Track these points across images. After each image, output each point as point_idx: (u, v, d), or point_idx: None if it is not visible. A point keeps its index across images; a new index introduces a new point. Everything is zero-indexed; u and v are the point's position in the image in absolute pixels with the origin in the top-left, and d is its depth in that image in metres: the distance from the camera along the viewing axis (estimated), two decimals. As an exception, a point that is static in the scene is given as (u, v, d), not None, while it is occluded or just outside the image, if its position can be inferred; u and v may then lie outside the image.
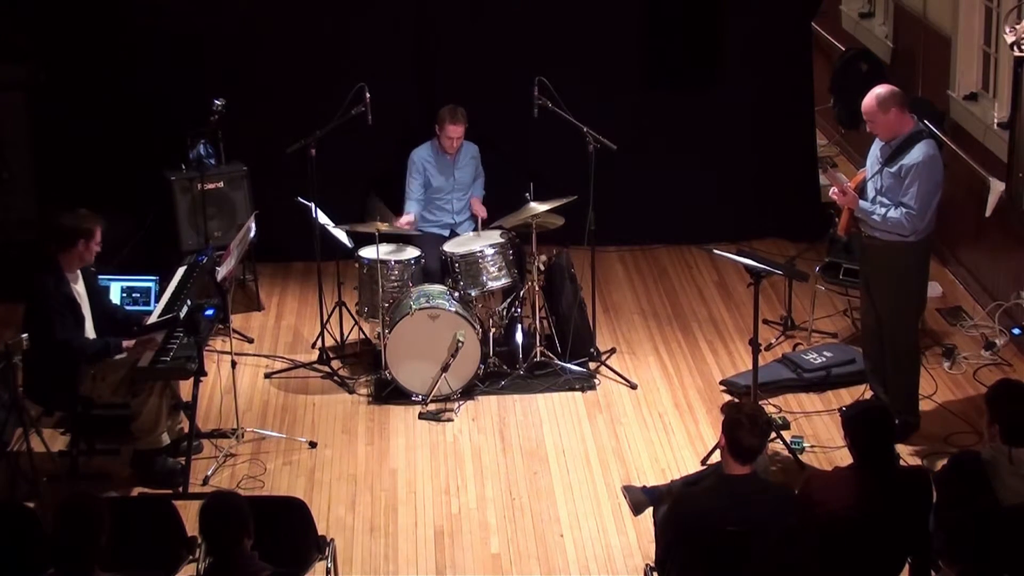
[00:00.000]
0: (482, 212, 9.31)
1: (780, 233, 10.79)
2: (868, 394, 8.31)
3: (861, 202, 7.67)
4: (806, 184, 10.84)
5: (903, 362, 7.94)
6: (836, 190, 7.80)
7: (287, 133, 9.14)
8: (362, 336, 9.18)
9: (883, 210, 7.60)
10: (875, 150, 7.78)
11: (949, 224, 7.77)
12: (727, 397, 8.51)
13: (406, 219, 9.23)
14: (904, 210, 7.54)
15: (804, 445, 8.01)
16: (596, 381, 8.79)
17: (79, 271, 7.60)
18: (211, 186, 9.55)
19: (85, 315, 7.57)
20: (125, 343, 7.61)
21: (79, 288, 7.57)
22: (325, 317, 9.09)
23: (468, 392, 8.59)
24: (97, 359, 7.53)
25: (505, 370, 8.76)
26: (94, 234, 7.50)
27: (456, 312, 8.45)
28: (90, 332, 7.59)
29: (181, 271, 8.39)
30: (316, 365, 9.01)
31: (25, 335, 7.24)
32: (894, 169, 7.58)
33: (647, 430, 8.29)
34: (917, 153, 7.53)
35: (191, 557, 6.24)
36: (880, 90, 7.62)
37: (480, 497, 7.65)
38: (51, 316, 7.38)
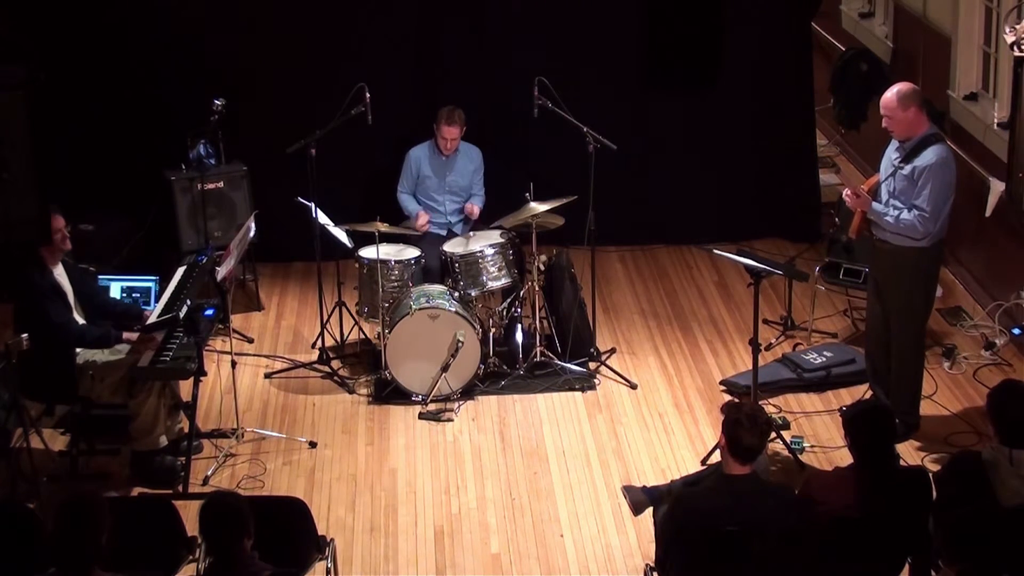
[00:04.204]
0: (474, 213, 9.29)
1: (780, 233, 10.79)
2: (868, 394, 8.32)
3: (874, 204, 7.67)
4: (806, 184, 10.84)
5: (907, 364, 7.94)
6: (849, 192, 7.79)
7: (287, 133, 9.15)
8: (362, 336, 9.18)
9: (896, 212, 7.60)
10: (890, 153, 7.77)
11: (949, 224, 7.76)
12: (727, 397, 8.50)
13: (424, 219, 9.26)
14: (917, 212, 7.53)
15: (804, 445, 8.01)
16: (596, 381, 8.79)
17: (61, 266, 7.61)
18: (211, 186, 9.55)
19: (71, 304, 7.59)
20: (126, 335, 7.62)
21: (62, 279, 7.60)
22: (325, 317, 9.09)
23: (468, 392, 8.59)
24: (97, 346, 7.55)
25: (505, 370, 8.76)
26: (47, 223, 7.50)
27: (456, 312, 8.45)
28: (79, 321, 7.60)
29: (181, 271, 8.40)
30: (316, 365, 9.02)
31: (25, 335, 7.24)
32: (907, 171, 7.57)
33: (647, 430, 8.29)
34: (930, 155, 7.52)
35: (191, 557, 6.24)
36: (901, 87, 7.61)
37: (480, 497, 7.65)
38: (43, 303, 7.43)
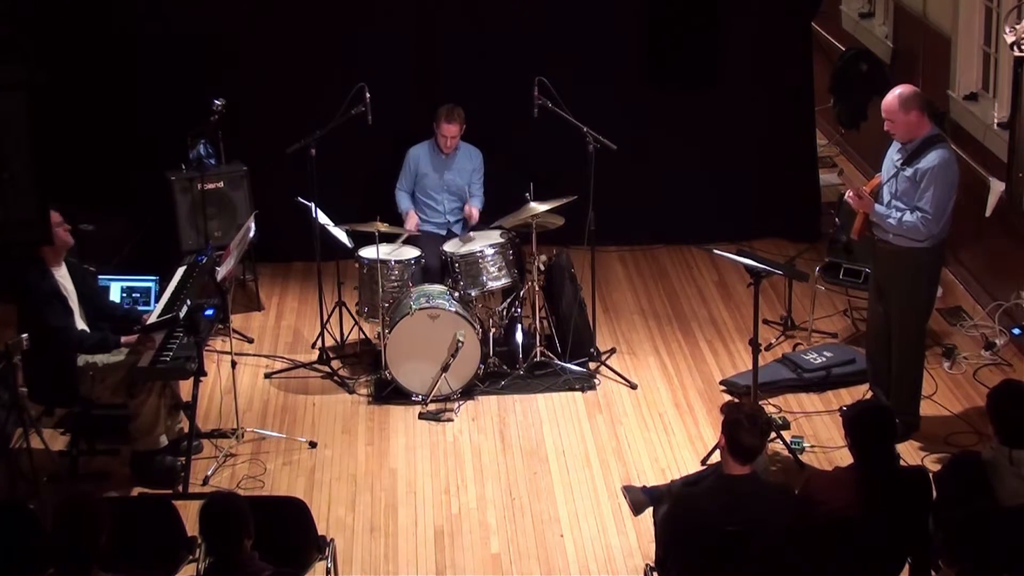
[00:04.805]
0: (474, 217, 9.29)
1: (780, 233, 10.79)
2: (868, 394, 8.32)
3: (877, 206, 7.66)
4: (806, 184, 10.84)
5: (908, 364, 7.94)
6: (852, 194, 7.78)
7: (287, 133, 9.15)
8: (362, 336, 9.18)
9: (898, 214, 7.59)
10: (891, 154, 7.77)
11: (950, 224, 7.77)
12: (727, 397, 8.50)
13: (412, 222, 9.27)
14: (920, 214, 7.53)
15: (804, 445, 8.01)
16: (596, 381, 8.79)
17: (64, 264, 7.60)
18: (211, 186, 9.55)
19: (73, 307, 7.58)
20: (124, 339, 7.62)
21: (65, 281, 7.58)
22: (325, 317, 9.09)
23: (468, 392, 8.59)
24: (95, 351, 7.55)
25: (505, 370, 8.76)
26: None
27: (456, 312, 8.45)
28: (79, 324, 7.60)
29: (181, 271, 8.39)
30: (316, 365, 9.02)
31: (25, 336, 7.24)
32: (909, 173, 7.57)
33: (647, 430, 8.29)
34: (933, 157, 7.52)
35: (191, 557, 6.24)
36: (903, 90, 7.59)
37: (480, 497, 7.65)
38: (41, 307, 7.42)
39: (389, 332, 8.47)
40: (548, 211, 8.67)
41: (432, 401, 8.52)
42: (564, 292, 9.12)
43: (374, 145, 9.96)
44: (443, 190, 9.46)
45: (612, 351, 9.12)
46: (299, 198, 8.94)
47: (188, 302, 7.86)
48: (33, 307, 7.45)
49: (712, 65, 10.44)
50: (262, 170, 9.84)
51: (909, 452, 7.88)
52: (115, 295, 8.73)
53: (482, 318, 8.74)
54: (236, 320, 9.44)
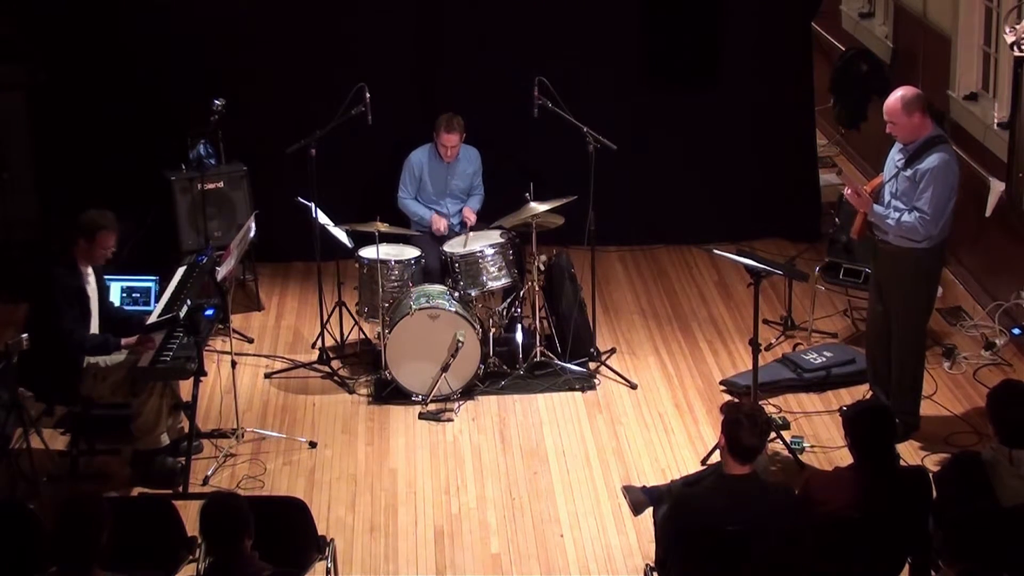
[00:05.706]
0: (471, 220, 9.29)
1: (780, 233, 10.79)
2: (868, 394, 8.32)
3: (875, 206, 7.66)
4: (806, 184, 10.84)
5: (908, 364, 7.94)
6: (851, 191, 7.78)
7: (287, 133, 9.15)
8: (362, 336, 9.18)
9: (897, 214, 7.59)
10: (893, 154, 7.76)
11: (950, 225, 7.77)
12: (727, 397, 8.50)
13: (444, 222, 9.27)
14: (918, 215, 7.53)
15: (804, 445, 8.01)
16: (596, 381, 8.79)
17: (91, 268, 7.62)
18: (211, 186, 9.55)
19: (92, 310, 7.60)
20: (124, 341, 7.62)
21: (91, 283, 7.61)
22: (325, 317, 9.09)
23: (468, 392, 8.59)
24: (96, 353, 7.55)
25: (505, 370, 8.75)
26: (95, 234, 7.49)
27: (456, 312, 8.45)
28: (94, 328, 7.62)
29: (181, 271, 8.39)
30: (316, 365, 9.02)
31: (25, 335, 7.24)
32: (909, 173, 7.57)
33: (647, 430, 8.29)
34: (933, 158, 7.51)
35: (191, 557, 6.24)
36: (905, 93, 7.58)
37: (480, 497, 7.65)
38: (60, 306, 7.42)
39: (389, 332, 8.47)
40: (548, 211, 8.67)
41: (432, 401, 8.52)
42: (564, 292, 9.12)
43: (374, 145, 9.96)
44: (446, 195, 9.46)
45: (612, 351, 9.12)
46: (299, 198, 8.94)
47: (188, 302, 7.86)
48: (52, 304, 7.44)
49: (712, 65, 10.43)
50: (262, 170, 9.84)
51: (909, 452, 7.88)
52: (115, 295, 8.71)
53: (482, 318, 8.74)
54: (236, 320, 9.44)
